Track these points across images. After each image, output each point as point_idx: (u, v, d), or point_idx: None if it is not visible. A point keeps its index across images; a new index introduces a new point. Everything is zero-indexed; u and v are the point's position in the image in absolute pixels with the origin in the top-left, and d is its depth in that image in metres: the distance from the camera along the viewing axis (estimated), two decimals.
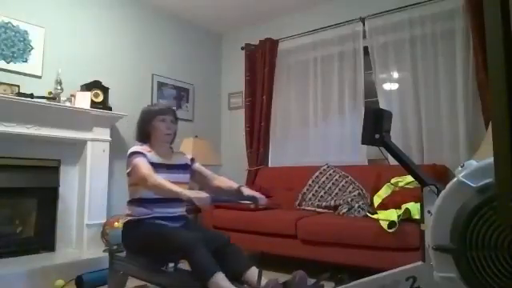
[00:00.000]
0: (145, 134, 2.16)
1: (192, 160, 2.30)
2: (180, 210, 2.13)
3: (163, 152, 2.15)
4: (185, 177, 2.18)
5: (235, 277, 1.81)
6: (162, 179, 1.88)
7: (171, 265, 1.93)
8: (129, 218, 2.07)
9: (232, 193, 2.19)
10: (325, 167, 3.36)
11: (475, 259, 0.95)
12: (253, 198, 2.06)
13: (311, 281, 1.82)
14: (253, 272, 1.84)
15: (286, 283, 1.73)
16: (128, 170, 2.04)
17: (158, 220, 2.02)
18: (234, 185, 2.21)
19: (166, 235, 1.86)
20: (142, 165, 1.94)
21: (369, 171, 3.21)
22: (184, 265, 1.82)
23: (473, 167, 1.01)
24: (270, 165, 4.05)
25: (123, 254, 2.19)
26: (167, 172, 2.05)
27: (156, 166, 2.01)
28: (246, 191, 2.12)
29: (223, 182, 2.27)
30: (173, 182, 1.92)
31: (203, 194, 1.78)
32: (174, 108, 2.26)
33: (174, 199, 1.90)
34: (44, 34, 3.05)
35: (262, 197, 2.10)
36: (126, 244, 2.10)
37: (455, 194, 1.02)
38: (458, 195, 1.01)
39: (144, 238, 1.95)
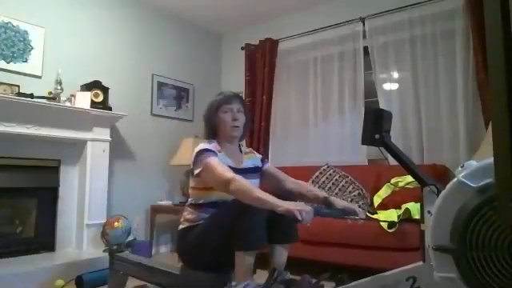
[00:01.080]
0: (211, 129, 1.88)
1: (262, 160, 2.01)
2: None
3: (232, 152, 1.88)
4: (256, 182, 1.88)
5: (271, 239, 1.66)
6: (249, 183, 1.56)
7: (234, 284, 1.63)
8: (187, 223, 1.80)
9: (318, 202, 1.86)
10: (325, 167, 3.36)
11: (475, 259, 0.95)
12: (354, 212, 1.74)
13: (312, 281, 1.81)
14: (282, 251, 1.78)
15: (291, 281, 1.71)
16: (197, 171, 1.72)
17: None
18: (319, 193, 1.90)
19: (221, 210, 1.66)
20: (219, 165, 1.64)
21: (369, 171, 3.21)
22: None
23: (473, 167, 1.01)
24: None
25: (123, 253, 2.19)
26: (241, 176, 1.67)
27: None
28: (338, 202, 1.80)
29: (304, 187, 1.94)
30: None
31: (306, 207, 1.42)
32: (242, 96, 1.94)
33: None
34: (44, 34, 3.05)
35: (360, 210, 1.78)
36: (182, 251, 1.81)
37: (455, 194, 1.02)
38: (458, 195, 1.01)
39: (198, 235, 1.71)
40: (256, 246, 1.56)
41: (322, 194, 1.87)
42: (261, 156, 2.04)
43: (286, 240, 1.79)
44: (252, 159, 1.97)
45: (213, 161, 1.67)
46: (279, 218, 1.48)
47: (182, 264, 1.82)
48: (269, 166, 2.02)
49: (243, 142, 2.02)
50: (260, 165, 1.98)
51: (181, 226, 1.84)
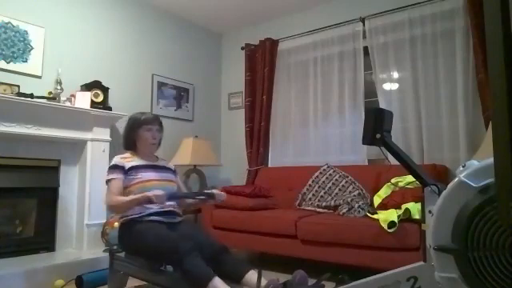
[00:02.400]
0: (131, 141, 2.25)
1: (174, 171, 2.39)
2: (171, 205, 2.17)
3: (148, 156, 2.27)
4: (172, 176, 2.29)
5: (234, 281, 1.82)
6: (121, 197, 2.02)
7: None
8: (124, 218, 2.09)
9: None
10: (325, 167, 3.36)
11: (476, 259, 0.95)
12: (210, 194, 2.17)
13: (312, 281, 1.82)
14: (251, 275, 1.84)
15: (287, 283, 1.73)
16: (106, 180, 2.14)
17: (154, 216, 2.05)
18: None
19: (159, 240, 1.89)
20: (114, 188, 2.06)
21: (369, 171, 3.21)
22: None
23: (474, 167, 1.01)
24: (269, 165, 4.05)
25: (123, 253, 2.19)
26: (154, 171, 2.18)
27: (142, 168, 2.15)
28: (208, 190, 2.28)
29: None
30: (162, 180, 2.15)
31: (160, 192, 1.93)
32: (159, 116, 2.36)
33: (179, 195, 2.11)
34: (44, 34, 3.05)
35: (222, 193, 2.23)
36: (123, 244, 2.13)
37: (456, 194, 1.02)
38: (460, 195, 1.01)
39: (140, 238, 1.97)
40: (208, 279, 1.68)
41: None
42: (174, 168, 2.41)
43: (242, 273, 1.88)
44: (166, 163, 2.38)
45: (113, 181, 2.08)
46: (221, 257, 1.92)
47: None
48: (178, 178, 2.40)
49: (159, 154, 2.41)
50: (173, 168, 2.37)
51: (121, 220, 2.14)
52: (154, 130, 2.23)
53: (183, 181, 3.69)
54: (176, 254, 1.77)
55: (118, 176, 2.10)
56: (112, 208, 2.08)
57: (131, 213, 2.06)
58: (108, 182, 2.11)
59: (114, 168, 2.12)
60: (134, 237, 2.01)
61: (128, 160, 2.18)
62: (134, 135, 2.22)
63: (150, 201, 1.93)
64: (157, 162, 2.29)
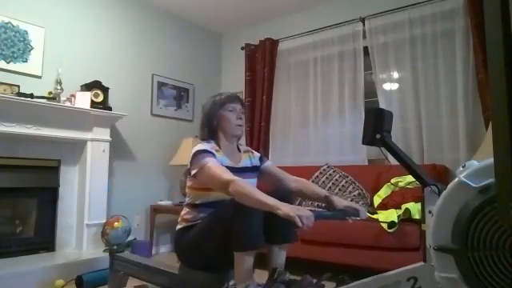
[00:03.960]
0: (211, 129, 1.86)
1: (261, 159, 1.99)
2: None
3: (231, 151, 1.87)
4: (254, 181, 1.89)
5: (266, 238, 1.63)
6: (249, 185, 1.53)
7: (231, 283, 1.68)
8: (184, 223, 1.81)
9: (318, 201, 1.87)
10: (325, 167, 3.36)
11: (477, 260, 0.95)
12: (356, 213, 1.70)
13: (312, 281, 1.81)
14: (281, 251, 1.74)
15: (291, 282, 1.71)
16: (194, 172, 1.70)
17: None
18: (319, 191, 1.85)
19: (218, 211, 1.66)
20: (217, 167, 1.63)
21: (369, 171, 3.21)
22: None
23: (474, 167, 1.01)
24: None
25: (123, 253, 2.19)
26: (240, 175, 1.67)
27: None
28: (338, 201, 1.76)
29: (304, 184, 1.89)
30: None
31: (306, 212, 1.37)
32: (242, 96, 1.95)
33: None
34: (44, 34, 3.05)
35: (363, 209, 1.75)
36: (179, 251, 1.80)
37: (456, 194, 1.02)
38: (460, 195, 1.01)
39: (196, 235, 1.71)
40: (254, 247, 1.55)
41: (323, 192, 1.83)
42: (259, 155, 2.02)
43: (285, 240, 1.75)
44: (250, 158, 1.95)
45: (210, 162, 1.65)
46: (277, 218, 1.43)
47: (181, 263, 1.82)
48: (268, 164, 1.98)
49: (241, 142, 2.01)
50: (258, 164, 1.96)
51: (179, 226, 1.84)
52: (237, 109, 1.85)
53: (183, 180, 3.68)
54: (243, 217, 1.52)
55: (215, 159, 1.69)
56: (241, 196, 1.50)
57: (197, 219, 1.77)
58: (201, 169, 1.65)
59: (204, 152, 1.70)
60: (192, 234, 1.73)
61: (215, 150, 1.78)
62: (215, 119, 1.84)
63: (287, 218, 1.36)
64: (240, 162, 1.88)
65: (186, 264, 1.78)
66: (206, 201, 1.77)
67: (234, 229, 1.54)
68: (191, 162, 1.74)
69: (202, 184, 1.72)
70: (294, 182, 1.91)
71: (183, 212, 1.85)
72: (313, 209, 3.12)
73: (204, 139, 1.87)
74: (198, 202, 1.79)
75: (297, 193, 1.89)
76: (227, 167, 1.70)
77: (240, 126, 1.86)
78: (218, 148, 1.81)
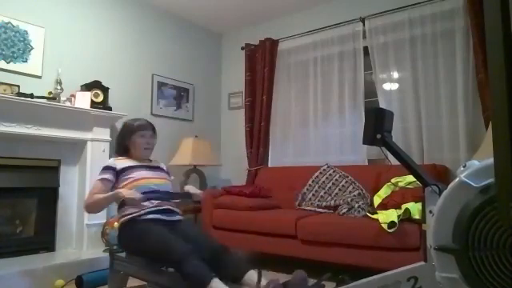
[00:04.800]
0: (124, 147, 2.29)
1: (168, 173, 2.42)
2: (169, 203, 2.18)
3: (141, 160, 2.29)
4: (165, 175, 2.34)
5: (234, 281, 1.82)
6: (95, 196, 2.05)
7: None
8: (123, 218, 2.09)
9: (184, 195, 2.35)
10: (325, 167, 3.36)
11: (477, 259, 0.95)
12: (186, 194, 2.24)
13: (312, 281, 1.82)
14: (251, 275, 1.84)
15: (287, 283, 1.73)
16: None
17: (153, 214, 2.05)
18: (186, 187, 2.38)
19: (160, 242, 1.88)
20: (96, 188, 2.10)
21: (369, 171, 3.21)
22: None
23: (475, 167, 1.01)
24: (269, 165, 4.05)
25: (123, 253, 2.19)
26: (148, 170, 2.22)
27: (135, 167, 2.18)
28: (187, 188, 2.31)
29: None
30: (155, 178, 2.19)
31: (137, 194, 1.97)
32: (151, 123, 2.38)
33: (155, 196, 2.10)
34: (44, 34, 3.05)
35: (198, 192, 2.27)
36: (122, 245, 2.13)
37: (457, 194, 1.02)
38: (460, 195, 1.01)
39: (140, 239, 1.97)
40: (209, 277, 1.68)
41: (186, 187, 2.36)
42: (166, 167, 2.45)
43: (242, 273, 1.86)
44: (160, 164, 2.42)
45: (98, 181, 2.11)
46: (221, 257, 1.90)
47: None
48: (170, 178, 2.41)
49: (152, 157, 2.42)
50: (166, 169, 2.41)
51: (121, 221, 2.13)
52: (147, 135, 2.28)
53: (183, 181, 3.69)
54: (176, 256, 1.77)
55: (105, 176, 2.12)
56: (87, 207, 2.09)
57: (129, 212, 2.06)
58: (94, 181, 2.16)
59: (104, 169, 2.16)
60: (134, 237, 2.01)
61: (121, 161, 2.21)
62: (128, 141, 2.27)
63: (120, 198, 2.00)
64: (150, 164, 2.33)
65: (129, 253, 2.12)
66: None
67: (184, 274, 1.73)
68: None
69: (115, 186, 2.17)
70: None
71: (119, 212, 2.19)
72: (312, 208, 3.13)
73: (118, 154, 2.31)
74: (121, 202, 2.16)
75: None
76: (139, 165, 2.21)
77: (147, 148, 2.29)
78: (125, 159, 2.24)
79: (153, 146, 2.34)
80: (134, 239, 2.00)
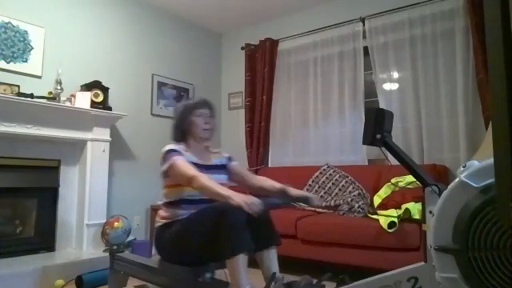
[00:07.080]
0: (181, 132, 2.03)
1: (229, 159, 2.16)
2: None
3: (200, 152, 2.03)
4: (223, 177, 2.04)
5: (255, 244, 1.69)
6: (209, 180, 1.71)
7: (208, 275, 1.76)
8: (164, 220, 1.90)
9: (276, 193, 2.01)
10: (325, 167, 3.36)
11: (477, 260, 0.95)
12: (305, 199, 1.90)
13: (312, 281, 1.81)
14: (271, 254, 1.80)
15: (292, 284, 1.71)
16: (164, 168, 1.87)
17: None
18: (277, 184, 2.04)
19: (200, 212, 1.74)
20: (185, 164, 1.80)
21: (369, 171, 3.21)
22: (220, 275, 1.76)
23: (475, 167, 1.00)
24: (269, 165, 4.05)
25: (123, 253, 2.19)
26: (206, 173, 1.84)
27: (197, 167, 1.85)
28: (293, 191, 1.95)
29: (264, 181, 2.11)
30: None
31: (254, 199, 1.58)
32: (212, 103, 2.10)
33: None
34: (44, 34, 3.05)
35: (314, 196, 1.95)
36: (159, 247, 1.90)
37: (457, 194, 1.02)
38: (460, 195, 1.01)
39: (177, 233, 1.80)
40: (245, 248, 1.60)
41: (279, 184, 2.03)
42: (228, 155, 2.17)
43: (270, 243, 1.82)
44: (219, 158, 2.12)
45: (178, 160, 1.82)
46: (256, 224, 1.67)
47: (160, 258, 1.92)
48: (234, 164, 2.16)
49: (210, 143, 2.16)
50: (226, 162, 2.12)
51: (158, 224, 1.93)
52: (205, 114, 2.02)
53: None
54: (227, 208, 1.61)
55: (183, 157, 1.85)
56: (203, 189, 1.70)
57: (175, 216, 1.86)
58: (171, 165, 1.81)
59: (173, 151, 1.87)
60: (172, 233, 1.82)
61: (185, 151, 1.94)
62: (185, 124, 2.00)
63: (238, 206, 1.56)
64: (209, 161, 2.04)
65: (165, 259, 1.89)
66: (180, 197, 1.88)
67: (220, 237, 1.61)
68: (162, 160, 1.91)
69: (174, 180, 1.87)
70: (255, 178, 2.16)
71: (161, 211, 1.96)
72: (312, 208, 3.13)
73: (175, 140, 2.04)
74: (173, 200, 1.90)
75: (258, 188, 2.10)
76: (195, 164, 1.87)
77: (207, 129, 2.02)
78: (186, 148, 1.98)
79: (213, 126, 2.06)
80: (172, 234, 1.81)
